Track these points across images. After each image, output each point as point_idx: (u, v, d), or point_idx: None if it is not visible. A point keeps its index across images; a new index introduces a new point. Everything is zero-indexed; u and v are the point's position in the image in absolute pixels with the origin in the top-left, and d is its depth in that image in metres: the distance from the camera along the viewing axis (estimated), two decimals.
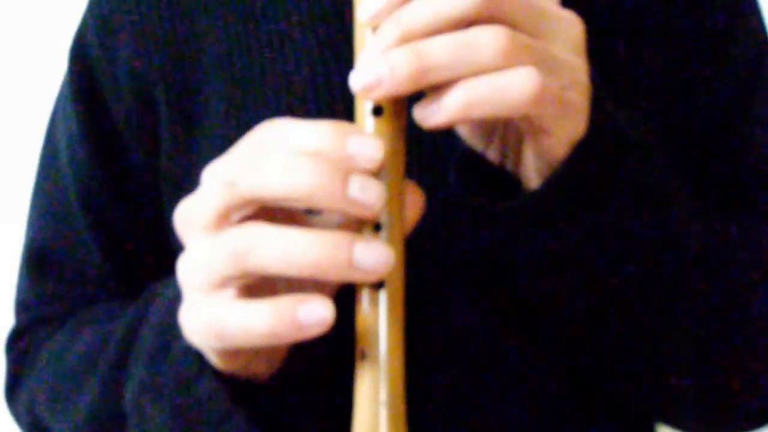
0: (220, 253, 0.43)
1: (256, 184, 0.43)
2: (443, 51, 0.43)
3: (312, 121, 0.44)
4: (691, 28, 0.63)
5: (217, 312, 0.44)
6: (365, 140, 0.43)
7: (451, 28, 0.44)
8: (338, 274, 0.42)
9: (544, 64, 0.44)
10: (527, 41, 0.44)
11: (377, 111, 0.45)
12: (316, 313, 0.42)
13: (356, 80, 0.44)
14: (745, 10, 0.65)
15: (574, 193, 0.48)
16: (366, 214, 0.43)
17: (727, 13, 0.64)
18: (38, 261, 0.72)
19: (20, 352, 0.72)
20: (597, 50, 0.50)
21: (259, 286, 0.45)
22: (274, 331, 0.42)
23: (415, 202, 0.46)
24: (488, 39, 0.43)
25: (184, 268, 0.46)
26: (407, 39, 0.44)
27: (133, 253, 0.69)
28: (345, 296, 0.46)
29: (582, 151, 0.47)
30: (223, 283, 0.44)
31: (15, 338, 0.73)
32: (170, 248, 0.62)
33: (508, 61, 0.43)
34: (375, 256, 0.42)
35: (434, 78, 0.43)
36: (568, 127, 0.46)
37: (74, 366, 0.65)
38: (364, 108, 0.46)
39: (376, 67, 0.43)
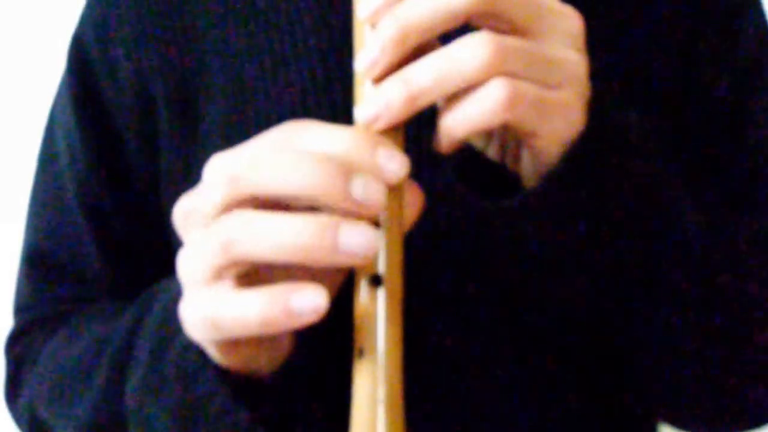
0: (210, 242, 0.43)
1: (259, 180, 0.43)
2: (428, 74, 0.44)
3: (332, 125, 0.44)
4: (694, 23, 0.63)
5: (213, 302, 0.44)
6: (393, 153, 0.44)
7: (448, 24, 0.44)
8: (325, 258, 0.42)
9: (534, 65, 0.44)
10: (514, 45, 0.44)
11: None
12: (309, 301, 0.42)
13: (358, 116, 0.45)
14: (747, 6, 0.65)
15: (570, 191, 0.48)
16: (367, 213, 0.43)
17: (730, 8, 0.64)
18: (37, 262, 0.72)
19: (20, 352, 0.71)
20: (598, 46, 0.50)
21: (257, 278, 0.45)
22: (267, 319, 0.42)
23: (414, 200, 0.46)
24: (472, 52, 0.44)
25: (182, 263, 0.46)
26: (405, 36, 0.44)
27: (133, 253, 0.69)
28: (344, 293, 0.46)
29: (577, 149, 0.47)
30: (218, 274, 0.44)
31: (15, 339, 0.73)
32: (170, 248, 0.62)
33: (493, 72, 0.44)
34: (361, 238, 0.42)
35: (426, 100, 0.44)
36: (557, 127, 0.46)
37: (75, 366, 0.65)
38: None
39: (372, 104, 0.45)
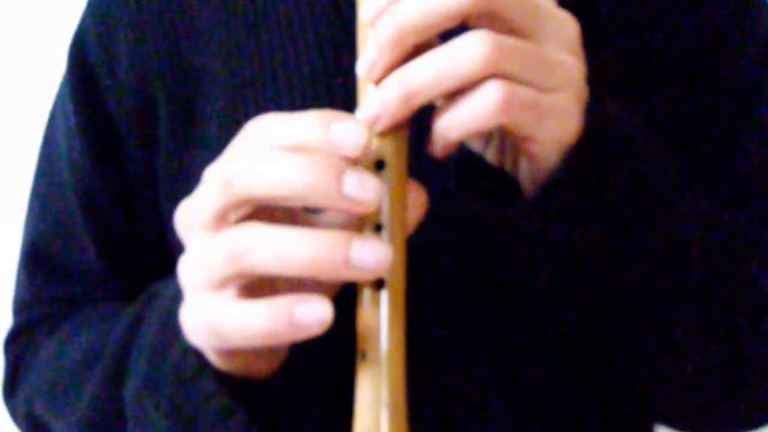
0: (218, 253, 0.43)
1: (250, 183, 0.43)
2: (425, 73, 0.44)
3: (297, 112, 0.44)
4: (697, 25, 0.63)
5: (215, 312, 0.44)
6: (347, 125, 0.43)
7: (445, 24, 0.44)
8: (335, 273, 0.42)
9: (531, 67, 0.44)
10: (512, 45, 0.44)
11: None
12: (313, 313, 0.42)
13: (359, 118, 0.45)
14: (751, 7, 0.65)
15: (568, 197, 0.48)
16: (362, 210, 0.43)
17: (734, 10, 0.64)
18: (36, 261, 0.72)
19: (19, 351, 0.72)
20: (598, 49, 0.50)
21: (260, 286, 0.45)
22: (271, 331, 0.42)
23: (417, 202, 0.46)
24: (468, 50, 0.43)
25: (185, 268, 0.46)
26: (402, 36, 0.44)
27: (132, 252, 0.69)
28: (346, 296, 0.46)
29: (574, 154, 0.47)
30: (222, 284, 0.44)
31: (13, 338, 0.73)
32: (169, 248, 0.62)
33: (489, 70, 0.43)
34: (372, 254, 0.42)
35: (423, 99, 0.44)
36: (553, 130, 0.46)
37: (73, 365, 0.65)
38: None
39: (371, 105, 0.44)
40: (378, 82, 0.45)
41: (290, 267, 0.42)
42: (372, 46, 0.45)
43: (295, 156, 0.42)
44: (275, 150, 0.43)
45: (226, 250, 0.43)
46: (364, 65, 0.45)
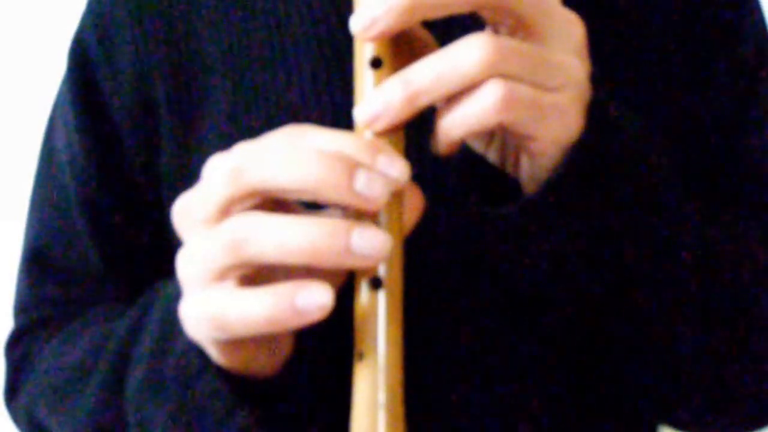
0: (219, 243, 0.43)
1: (263, 174, 0.43)
2: (427, 74, 0.44)
3: (334, 130, 0.45)
4: (696, 26, 0.63)
5: (217, 302, 0.44)
6: (394, 160, 0.44)
7: (454, 9, 0.45)
8: (336, 260, 0.42)
9: (532, 67, 0.45)
10: (512, 46, 0.44)
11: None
12: (314, 299, 0.42)
13: (358, 116, 0.45)
14: (748, 9, 0.65)
15: (569, 198, 0.48)
16: (369, 208, 0.43)
17: (732, 11, 0.64)
18: (37, 263, 0.72)
19: (20, 354, 0.71)
20: (600, 50, 0.50)
21: (258, 279, 0.45)
22: (273, 318, 0.42)
23: (414, 203, 0.46)
24: (470, 52, 0.44)
25: (184, 261, 0.46)
26: (414, 6, 0.44)
27: (133, 254, 0.69)
28: (344, 297, 0.46)
29: (575, 154, 0.47)
30: (223, 275, 0.44)
31: (14, 340, 0.73)
32: (170, 249, 0.62)
33: (490, 72, 0.44)
34: (372, 241, 0.42)
35: (425, 101, 0.45)
36: (554, 129, 0.46)
37: (74, 367, 0.65)
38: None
39: (372, 105, 0.45)
40: (371, 40, 0.45)
41: (291, 254, 0.42)
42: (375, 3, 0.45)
43: (306, 151, 0.43)
44: (287, 146, 0.44)
45: (228, 239, 0.43)
46: (359, 23, 0.45)
